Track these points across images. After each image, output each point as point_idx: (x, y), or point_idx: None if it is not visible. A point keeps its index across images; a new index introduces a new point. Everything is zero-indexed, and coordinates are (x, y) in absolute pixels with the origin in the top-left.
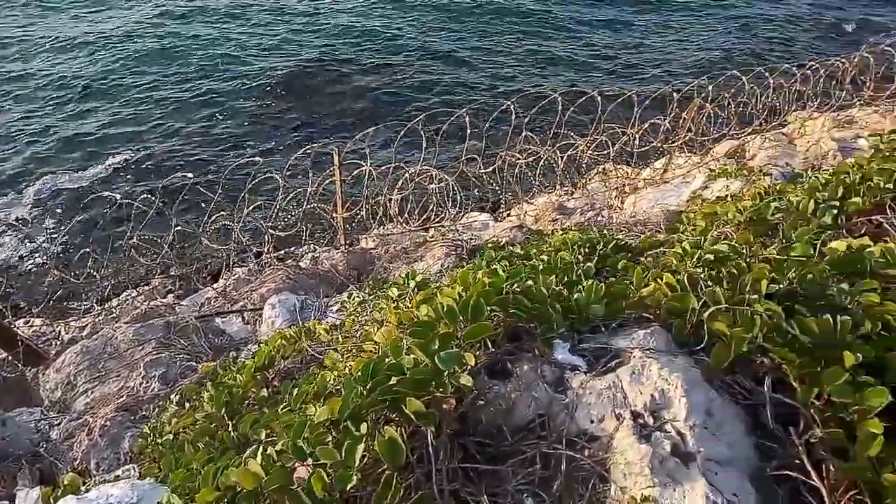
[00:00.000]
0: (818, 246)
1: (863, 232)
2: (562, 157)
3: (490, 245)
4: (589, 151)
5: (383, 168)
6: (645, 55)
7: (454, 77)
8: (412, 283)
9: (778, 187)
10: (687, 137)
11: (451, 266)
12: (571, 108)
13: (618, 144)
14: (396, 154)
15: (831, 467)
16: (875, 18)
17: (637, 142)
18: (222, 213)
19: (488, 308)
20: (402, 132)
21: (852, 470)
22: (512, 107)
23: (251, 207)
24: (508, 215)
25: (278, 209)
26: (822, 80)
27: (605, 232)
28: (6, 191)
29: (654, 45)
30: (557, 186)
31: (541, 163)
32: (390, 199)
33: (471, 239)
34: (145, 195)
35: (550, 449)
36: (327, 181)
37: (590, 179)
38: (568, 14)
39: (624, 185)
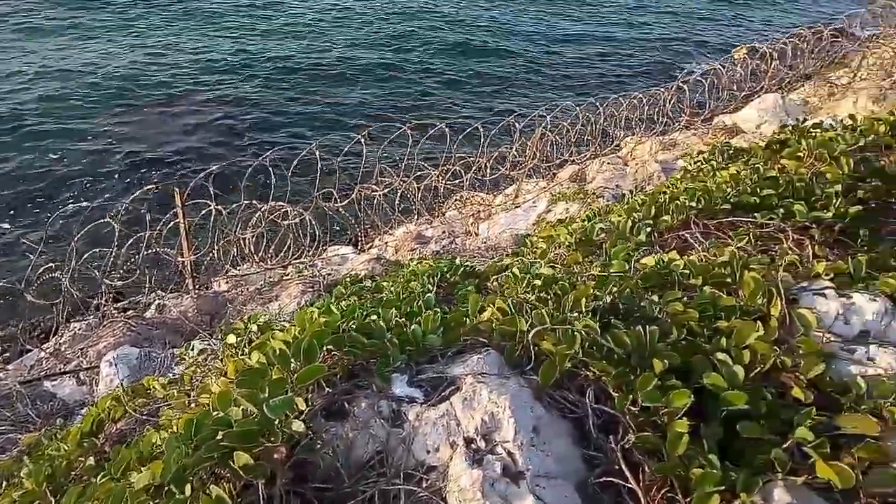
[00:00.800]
0: (633, 262)
1: (672, 247)
2: (418, 188)
3: (348, 279)
4: (444, 181)
5: (233, 206)
6: (489, 87)
7: (300, 113)
8: (254, 328)
9: (606, 208)
10: (532, 164)
11: (308, 303)
12: (423, 140)
13: (470, 173)
14: (245, 192)
15: (646, 468)
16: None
17: (488, 170)
18: (51, 264)
19: (323, 348)
20: (250, 169)
21: (664, 469)
22: (363, 140)
23: (85, 256)
24: (371, 247)
25: (112, 257)
26: (646, 108)
27: (458, 259)
28: None
29: (498, 75)
30: (416, 216)
31: (398, 194)
32: (243, 238)
33: (329, 274)
34: None
35: (389, 485)
36: (170, 223)
37: (447, 207)
38: (409, 51)
39: (479, 211)
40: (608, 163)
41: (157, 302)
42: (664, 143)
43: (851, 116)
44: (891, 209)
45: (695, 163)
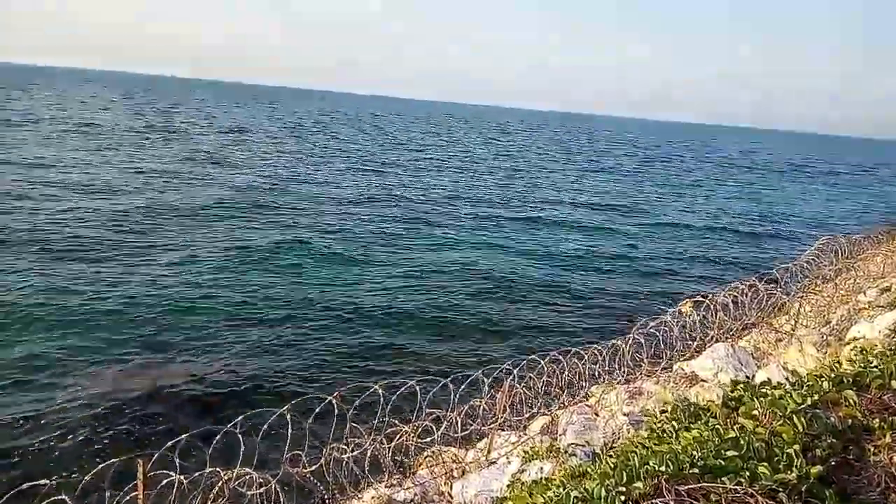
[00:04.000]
0: None
1: None
2: (389, 447)
3: None
4: (415, 438)
5: (196, 475)
6: (455, 340)
7: (273, 378)
8: None
9: (580, 469)
10: (503, 419)
11: None
12: (394, 398)
13: (441, 429)
14: (210, 460)
15: None
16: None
17: (459, 425)
18: None
19: None
20: (217, 437)
21: None
22: (334, 402)
23: None
24: None
25: None
26: (607, 359)
27: None
28: None
29: (466, 330)
30: (386, 476)
31: (368, 454)
32: None
33: None
34: None
35: None
36: (125, 498)
37: (419, 465)
38: (383, 312)
39: (451, 469)
40: (577, 412)
41: None
42: (630, 391)
43: (795, 373)
44: (850, 465)
45: (658, 422)
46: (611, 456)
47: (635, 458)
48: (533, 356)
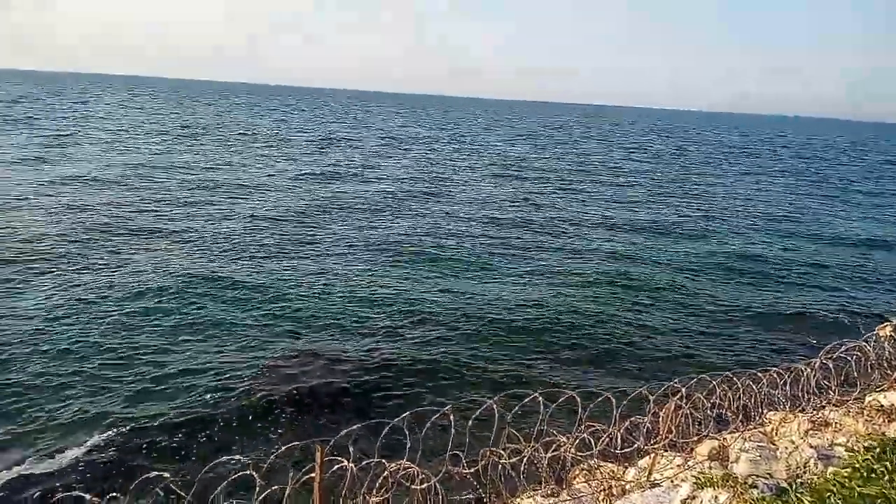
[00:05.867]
0: None
1: None
2: (545, 456)
3: None
4: (572, 448)
5: (364, 464)
6: (620, 354)
7: (438, 376)
8: None
9: (766, 502)
10: (667, 440)
11: None
12: (553, 406)
13: (602, 445)
14: (379, 451)
15: None
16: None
17: (619, 441)
18: None
19: None
20: (386, 429)
21: None
22: (495, 406)
23: None
24: None
25: None
26: (787, 384)
27: None
28: None
29: (632, 342)
30: (542, 485)
31: (524, 460)
32: (367, 500)
33: None
34: (113, 492)
35: None
36: (303, 478)
37: (574, 477)
38: (548, 319)
39: (610, 486)
40: (751, 440)
41: None
42: (814, 421)
43: None
44: None
45: (864, 460)
46: (802, 493)
47: (836, 500)
48: (703, 375)
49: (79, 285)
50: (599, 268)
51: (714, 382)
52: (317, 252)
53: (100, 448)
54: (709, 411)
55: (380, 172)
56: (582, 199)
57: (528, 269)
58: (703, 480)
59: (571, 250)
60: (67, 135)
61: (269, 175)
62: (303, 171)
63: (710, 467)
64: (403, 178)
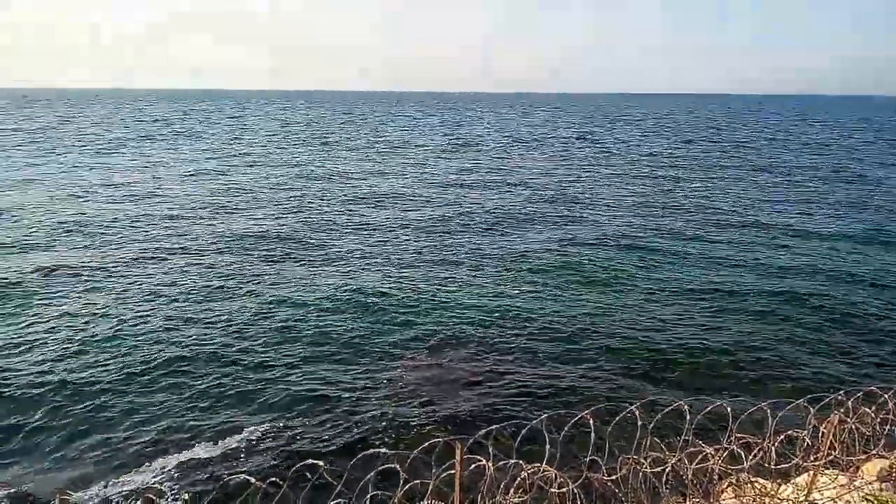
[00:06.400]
0: None
1: None
2: (690, 467)
3: None
4: (721, 462)
5: (502, 464)
6: (775, 363)
7: (575, 380)
8: None
9: None
10: (829, 456)
11: None
12: (700, 416)
13: (755, 458)
14: (517, 452)
15: None
16: None
17: (773, 455)
18: (339, 500)
19: None
20: (524, 431)
21: None
22: (637, 412)
23: (367, 497)
24: None
25: (394, 502)
26: None
27: None
28: (141, 459)
29: (790, 353)
30: (687, 499)
31: (667, 471)
32: (505, 500)
33: None
34: (274, 477)
35: None
36: (443, 475)
37: (721, 491)
38: (695, 325)
39: (763, 503)
40: None
41: None
42: None
43: None
44: None
45: None
46: None
47: None
48: (872, 387)
49: (253, 294)
50: (760, 280)
51: (885, 396)
52: (455, 260)
53: (259, 438)
54: (878, 427)
55: (519, 176)
56: (736, 197)
57: (645, 276)
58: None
59: (724, 259)
60: (231, 146)
61: (408, 184)
62: (439, 177)
63: (883, 489)
64: (541, 183)
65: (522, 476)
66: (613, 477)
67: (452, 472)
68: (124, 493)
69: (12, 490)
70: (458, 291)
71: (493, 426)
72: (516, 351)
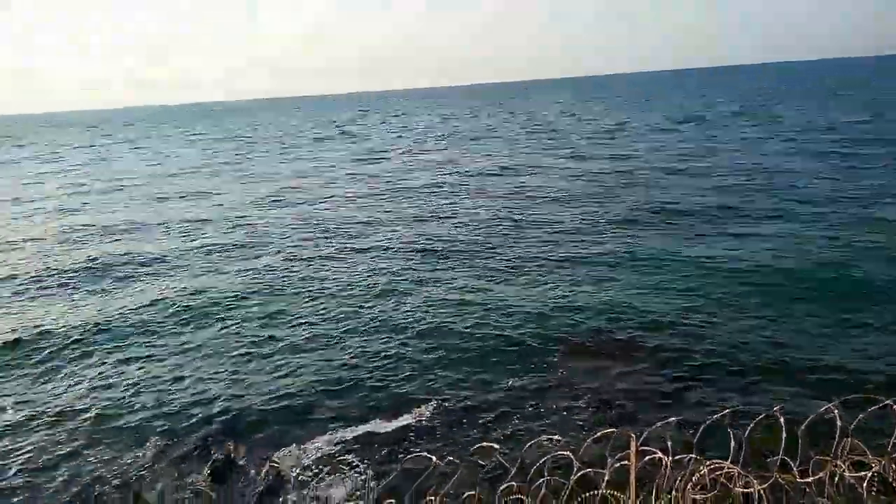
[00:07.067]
0: None
1: None
2: None
3: None
4: None
5: (678, 458)
6: None
7: (758, 374)
8: None
9: None
10: None
11: None
12: None
13: None
14: (696, 447)
15: None
16: None
17: None
18: (512, 483)
19: None
20: (704, 425)
21: None
22: (836, 412)
23: (542, 481)
24: None
25: (568, 490)
26: None
27: None
28: (327, 427)
29: None
30: None
31: (871, 476)
32: (685, 496)
33: None
34: (449, 458)
35: None
36: (616, 465)
37: None
38: None
39: None
40: None
41: None
42: None
43: None
44: None
45: None
46: None
47: None
48: None
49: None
50: None
51: None
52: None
53: (431, 417)
54: None
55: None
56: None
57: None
58: None
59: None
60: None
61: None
62: (593, 167)
63: None
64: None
65: (702, 472)
66: (808, 480)
67: (626, 462)
68: (312, 460)
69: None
70: (622, 281)
71: (671, 418)
72: (696, 340)
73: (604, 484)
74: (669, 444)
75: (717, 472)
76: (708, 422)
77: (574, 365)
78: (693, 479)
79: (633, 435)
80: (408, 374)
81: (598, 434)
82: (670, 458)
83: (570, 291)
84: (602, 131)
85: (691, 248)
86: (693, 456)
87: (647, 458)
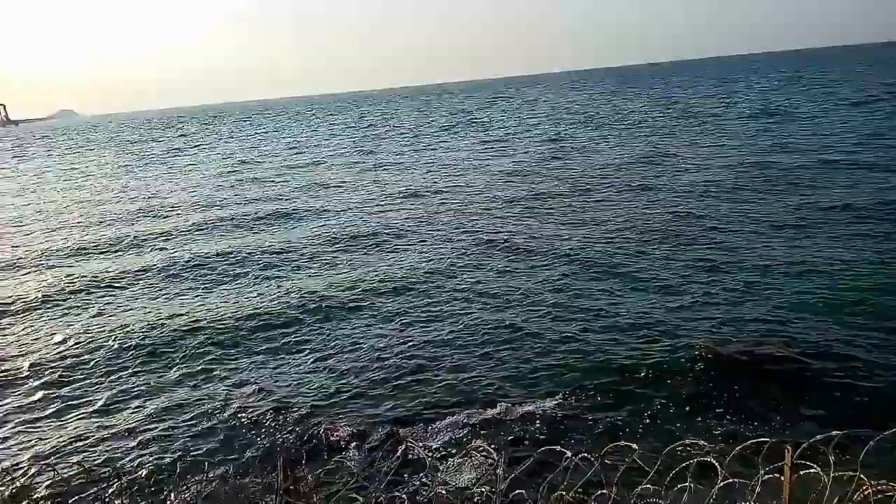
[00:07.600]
0: None
1: None
2: None
3: None
4: None
5: (838, 475)
6: None
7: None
8: None
9: None
10: None
11: None
12: None
13: None
14: (862, 465)
15: None
16: None
17: None
18: (648, 486)
19: None
20: (873, 442)
21: None
22: None
23: (680, 486)
24: None
25: (710, 500)
26: None
27: None
28: (454, 409)
29: None
30: None
31: None
32: None
33: None
34: (584, 453)
35: None
36: (765, 477)
37: None
38: None
39: None
40: None
41: None
42: None
43: None
44: None
45: None
46: None
47: None
48: None
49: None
50: None
51: None
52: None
53: (561, 406)
54: None
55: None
56: None
57: None
58: None
59: None
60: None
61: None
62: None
63: None
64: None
65: (866, 492)
66: None
67: (777, 475)
68: (441, 443)
69: (352, 430)
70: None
71: (835, 431)
72: (867, 353)
73: (753, 497)
74: (831, 458)
75: (884, 493)
76: (877, 438)
77: (720, 372)
78: (856, 497)
79: (788, 447)
80: (536, 364)
81: (749, 443)
82: (831, 473)
83: (723, 299)
84: (757, 112)
85: (875, 254)
86: (857, 474)
87: (802, 471)
